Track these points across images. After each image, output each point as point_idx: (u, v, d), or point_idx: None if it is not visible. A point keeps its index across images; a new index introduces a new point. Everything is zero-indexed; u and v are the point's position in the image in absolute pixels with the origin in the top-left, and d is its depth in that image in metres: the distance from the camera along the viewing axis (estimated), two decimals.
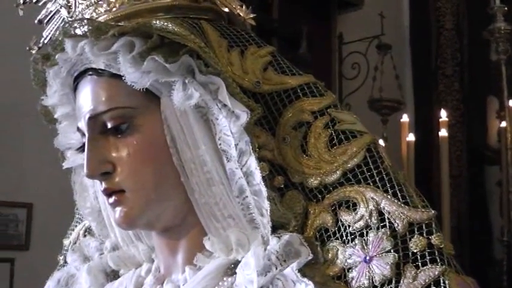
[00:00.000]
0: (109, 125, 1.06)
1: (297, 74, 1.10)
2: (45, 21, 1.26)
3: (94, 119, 1.07)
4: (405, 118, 4.88)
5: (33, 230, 4.38)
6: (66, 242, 1.40)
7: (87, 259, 1.28)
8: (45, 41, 1.25)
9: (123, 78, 1.04)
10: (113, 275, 1.24)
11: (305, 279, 0.93)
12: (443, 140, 4.53)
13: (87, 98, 1.08)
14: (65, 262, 1.35)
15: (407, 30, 6.48)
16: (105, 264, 1.24)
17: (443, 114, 4.58)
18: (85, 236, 1.34)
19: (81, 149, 1.13)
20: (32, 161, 4.18)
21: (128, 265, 1.23)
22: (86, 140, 1.08)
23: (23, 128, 3.75)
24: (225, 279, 1.03)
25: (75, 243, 1.36)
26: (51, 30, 1.25)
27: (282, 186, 1.04)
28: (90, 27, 1.04)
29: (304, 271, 0.95)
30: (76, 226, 1.38)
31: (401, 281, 0.93)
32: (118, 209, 1.07)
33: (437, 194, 4.60)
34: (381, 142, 4.99)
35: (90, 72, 1.09)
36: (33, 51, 1.24)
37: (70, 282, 1.27)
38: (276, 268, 0.96)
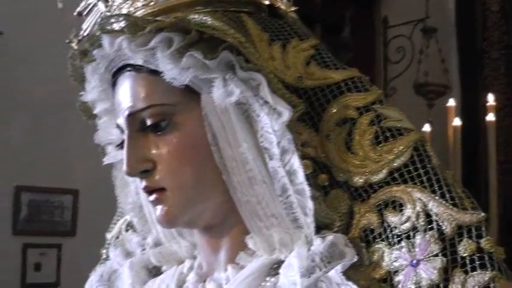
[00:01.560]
0: (148, 122, 1.04)
1: (341, 68, 1.07)
2: (85, 13, 1.25)
3: (133, 116, 1.05)
4: (451, 103, 4.81)
5: (79, 216, 4.44)
6: (108, 235, 1.40)
7: (129, 254, 1.28)
8: (85, 34, 1.24)
9: (162, 74, 1.02)
10: (155, 272, 1.23)
11: (349, 283, 0.90)
12: (491, 125, 4.45)
13: (125, 94, 1.07)
14: (108, 256, 1.35)
15: (453, 13, 6.37)
16: (147, 260, 1.24)
17: (491, 99, 4.51)
18: (127, 230, 1.34)
19: (121, 145, 1.12)
20: (77, 148, 4.22)
21: (170, 261, 1.22)
22: (125, 137, 1.07)
23: (69, 115, 3.78)
24: (267, 279, 1.02)
25: (117, 237, 1.36)
26: (90, 23, 1.24)
27: (326, 184, 1.01)
28: (127, 23, 1.03)
29: (348, 273, 0.92)
30: (118, 220, 1.38)
31: (449, 287, 0.90)
32: (159, 207, 1.06)
33: (484, 180, 4.54)
34: (427, 127, 4.94)
35: (129, 68, 1.07)
36: (73, 44, 1.23)
37: (112, 278, 1.27)
38: (320, 270, 0.94)
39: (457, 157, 4.59)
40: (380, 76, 5.95)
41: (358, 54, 5.29)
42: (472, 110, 5.60)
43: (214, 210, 1.06)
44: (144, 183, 1.06)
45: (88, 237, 4.36)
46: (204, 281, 1.11)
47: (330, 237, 0.96)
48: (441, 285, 0.90)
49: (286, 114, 0.97)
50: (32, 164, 4.27)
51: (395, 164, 0.99)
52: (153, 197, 1.06)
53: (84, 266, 4.46)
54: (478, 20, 6.10)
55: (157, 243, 1.25)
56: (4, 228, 4.18)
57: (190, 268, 1.17)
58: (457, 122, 4.64)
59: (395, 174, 0.99)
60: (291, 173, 0.99)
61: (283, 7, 1.15)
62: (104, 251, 1.39)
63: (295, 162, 0.98)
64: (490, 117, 4.42)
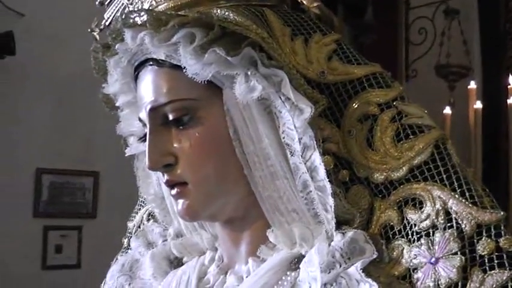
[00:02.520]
0: (170, 117, 1.05)
1: (363, 63, 1.07)
2: (106, 3, 1.25)
3: (155, 111, 1.06)
4: (472, 85, 4.77)
5: (99, 198, 4.48)
6: (130, 224, 1.41)
7: (150, 245, 1.29)
8: (107, 23, 1.24)
9: (184, 69, 1.02)
10: (177, 263, 1.25)
11: (369, 280, 0.91)
12: None
13: (148, 88, 1.07)
14: (129, 245, 1.36)
15: None
16: (168, 251, 1.25)
17: None
18: (148, 220, 1.35)
19: (143, 138, 1.13)
20: (98, 130, 4.25)
21: (192, 253, 1.23)
22: (147, 131, 1.07)
23: (91, 98, 3.79)
24: (288, 273, 1.02)
25: (139, 226, 1.37)
26: (112, 13, 1.24)
27: (347, 180, 1.01)
28: (149, 18, 1.03)
29: (368, 270, 0.93)
30: (139, 210, 1.39)
31: (468, 285, 0.90)
32: (180, 201, 1.07)
33: (505, 163, 4.51)
34: (448, 109, 4.91)
35: (151, 63, 1.07)
36: (95, 33, 1.24)
37: (134, 268, 1.27)
38: (340, 266, 0.94)
39: (478, 140, 4.56)
40: (402, 58, 5.92)
41: (380, 36, 5.27)
42: (493, 92, 5.55)
43: (236, 204, 1.07)
44: (166, 177, 1.07)
45: (108, 219, 4.41)
46: (225, 273, 1.12)
47: (350, 233, 0.96)
48: (460, 284, 0.90)
49: (308, 111, 0.97)
50: (52, 146, 4.31)
51: (415, 162, 0.99)
52: (175, 191, 1.07)
53: (105, 248, 4.50)
54: (500, 1, 6.03)
55: (178, 234, 1.26)
56: (25, 211, 4.23)
57: (212, 260, 1.18)
58: (478, 104, 4.60)
59: (416, 172, 0.99)
60: (312, 170, 0.99)
61: (305, 2, 1.15)
62: (125, 240, 1.40)
63: (317, 159, 0.98)
64: None
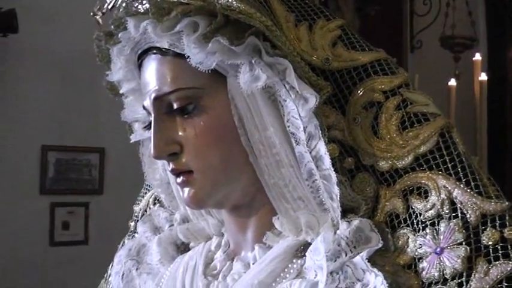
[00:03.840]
0: (175, 106, 1.05)
1: (368, 50, 1.07)
2: None
3: (159, 100, 1.06)
4: (478, 57, 4.75)
5: (106, 174, 4.48)
6: (136, 208, 1.41)
7: (157, 230, 1.29)
8: (109, 7, 1.24)
9: (188, 58, 1.02)
10: (183, 248, 1.25)
11: (375, 269, 0.91)
12: None
13: (151, 77, 1.07)
14: (135, 229, 1.37)
15: None
16: (175, 236, 1.25)
17: None
18: (154, 204, 1.36)
19: (147, 126, 1.13)
20: (103, 106, 4.25)
21: (198, 238, 1.23)
22: (152, 120, 1.07)
23: (96, 74, 3.79)
24: (294, 261, 1.03)
25: (145, 210, 1.38)
26: None
27: (352, 167, 1.01)
28: (151, 6, 1.02)
29: (374, 259, 0.93)
30: (145, 194, 1.40)
31: (473, 275, 0.90)
32: (186, 189, 1.07)
33: (510, 136, 4.50)
34: (453, 81, 4.89)
35: (154, 51, 1.07)
36: (97, 17, 1.23)
37: (141, 252, 1.28)
38: (346, 254, 0.95)
39: (483, 112, 4.55)
40: (406, 29, 5.88)
41: (384, 7, 5.24)
42: (498, 64, 5.53)
43: (242, 192, 1.07)
44: (171, 166, 1.07)
45: (115, 195, 4.43)
46: (232, 260, 1.13)
47: (356, 222, 0.97)
48: (464, 274, 0.91)
49: (313, 100, 0.97)
50: (57, 123, 4.31)
51: (421, 150, 0.99)
52: (180, 179, 1.07)
53: (112, 224, 4.53)
54: None
55: (184, 220, 1.26)
56: (32, 188, 4.25)
57: (218, 245, 1.18)
58: (483, 76, 4.58)
59: (421, 161, 0.99)
60: (317, 159, 0.99)
61: None
62: (132, 223, 1.41)
63: (322, 148, 0.98)
64: None
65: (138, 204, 1.41)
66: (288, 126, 1.01)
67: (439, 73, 5.17)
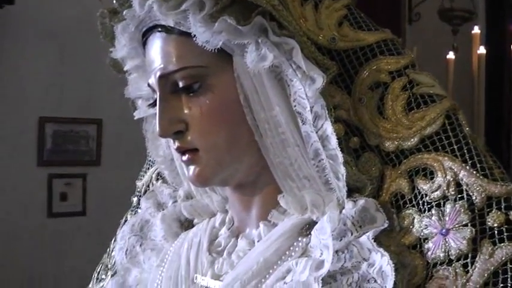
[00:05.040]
0: (180, 84, 1.04)
1: (374, 29, 1.06)
2: None
3: (165, 78, 1.05)
4: (476, 30, 4.74)
5: (103, 145, 4.48)
6: (139, 183, 1.42)
7: (160, 206, 1.30)
8: None
9: (194, 37, 1.01)
10: (187, 224, 1.26)
11: (381, 249, 0.92)
12: None
13: (156, 55, 1.06)
14: (138, 204, 1.37)
15: None
16: (178, 212, 1.26)
17: None
18: (157, 180, 1.36)
19: (152, 104, 1.13)
20: (100, 78, 4.23)
21: (202, 215, 1.24)
22: (157, 98, 1.07)
23: (94, 46, 3.77)
24: (299, 239, 1.03)
25: (148, 186, 1.38)
26: None
27: (358, 147, 1.02)
28: None
29: (379, 239, 0.94)
30: (148, 169, 1.40)
31: (478, 257, 0.91)
32: (191, 167, 1.07)
33: (507, 109, 4.50)
34: (451, 54, 4.88)
35: (159, 29, 1.06)
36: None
37: (145, 228, 1.28)
38: (351, 234, 0.95)
39: (481, 85, 4.55)
40: (405, 1, 5.86)
41: None
42: (497, 38, 5.51)
43: (247, 170, 1.08)
44: (176, 144, 1.07)
45: (113, 166, 4.44)
46: (236, 237, 1.14)
47: (362, 201, 0.97)
48: (469, 255, 0.91)
49: (320, 81, 0.97)
50: (54, 95, 4.29)
51: (427, 132, 0.99)
52: (186, 157, 1.07)
53: (110, 195, 4.54)
54: None
55: (188, 196, 1.27)
56: (29, 160, 4.25)
57: (222, 222, 1.19)
58: (481, 50, 4.57)
59: (427, 142, 0.99)
60: (323, 139, 1.00)
61: None
62: (135, 198, 1.41)
63: (328, 128, 0.98)
64: None
65: (141, 179, 1.41)
66: (294, 106, 1.01)
67: (437, 46, 5.15)
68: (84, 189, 4.42)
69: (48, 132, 4.28)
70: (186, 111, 1.05)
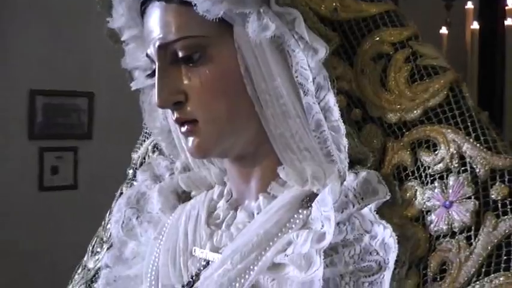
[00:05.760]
0: (180, 54, 1.03)
1: (376, 1, 1.05)
2: None
3: (164, 48, 1.04)
4: (470, 5, 4.74)
5: (95, 119, 4.46)
6: (134, 156, 1.41)
7: (157, 178, 1.29)
8: None
9: (194, 6, 1.00)
10: (184, 197, 1.25)
11: (383, 222, 0.91)
12: (509, 29, 4.39)
13: (155, 25, 1.05)
14: (134, 177, 1.36)
15: None
16: (176, 185, 1.25)
17: (510, 2, 4.42)
18: (154, 152, 1.35)
19: (150, 75, 1.11)
20: (92, 50, 4.21)
21: (199, 187, 1.23)
22: (156, 68, 1.06)
23: (85, 17, 3.75)
24: (300, 211, 1.03)
25: (144, 158, 1.37)
26: None
27: (360, 119, 1.01)
28: None
29: (382, 211, 0.93)
30: (144, 141, 1.39)
31: (481, 229, 0.90)
32: (190, 138, 1.06)
33: (500, 84, 4.51)
34: (444, 29, 4.87)
35: None
36: None
37: (141, 201, 1.27)
38: (353, 206, 0.94)
39: (474, 61, 4.56)
40: None
41: None
42: (490, 13, 5.50)
43: (247, 142, 1.07)
44: (175, 115, 1.06)
45: (104, 140, 4.42)
46: (235, 209, 1.13)
47: (363, 173, 0.96)
48: (473, 228, 0.91)
49: (323, 51, 0.96)
50: (45, 67, 4.26)
51: (430, 104, 0.98)
52: (185, 128, 1.06)
53: (101, 168, 4.53)
54: None
55: (186, 168, 1.26)
56: (20, 133, 4.22)
57: (220, 195, 1.18)
58: (475, 25, 4.57)
59: (430, 114, 0.98)
60: (326, 110, 0.98)
61: None
62: (130, 171, 1.40)
63: (331, 99, 0.97)
64: (509, 21, 4.35)
65: (136, 151, 1.40)
66: (296, 77, 1.00)
67: (431, 21, 5.13)
68: (75, 163, 4.40)
69: (38, 105, 4.25)
70: (185, 82, 1.04)
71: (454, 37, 4.83)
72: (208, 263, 1.09)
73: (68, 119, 4.36)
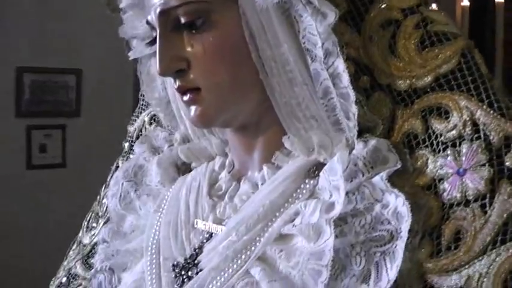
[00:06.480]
0: (182, 20, 1.00)
1: None
2: None
3: (166, 14, 1.01)
4: None
5: (83, 96, 4.42)
6: (130, 128, 1.38)
7: (156, 150, 1.26)
8: None
9: None
10: (184, 168, 1.22)
11: (395, 190, 0.89)
12: (500, 6, 4.39)
13: None
14: (131, 149, 1.34)
15: None
16: (175, 156, 1.22)
17: None
18: (151, 124, 1.32)
19: (150, 43, 1.09)
20: (80, 27, 4.16)
21: (200, 158, 1.20)
22: (157, 35, 1.03)
23: None
24: (307, 181, 1.01)
25: (140, 131, 1.34)
26: None
27: (368, 87, 0.98)
28: None
29: (392, 180, 0.91)
30: (141, 113, 1.36)
31: (496, 197, 0.89)
32: (193, 107, 1.03)
33: (490, 61, 4.51)
34: (434, 6, 4.85)
35: None
36: None
37: (139, 173, 1.25)
38: (363, 175, 0.92)
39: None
40: None
41: None
42: None
43: (250, 111, 1.04)
44: (178, 83, 1.03)
45: (92, 117, 4.39)
46: (238, 180, 1.10)
47: (373, 141, 0.94)
48: (488, 196, 0.89)
49: (332, 16, 0.93)
50: (32, 44, 4.22)
51: (441, 70, 0.96)
52: (187, 97, 1.03)
53: (90, 146, 4.50)
54: None
55: (185, 139, 1.24)
56: (7, 111, 4.18)
57: (222, 166, 1.16)
58: (465, 2, 4.56)
59: (442, 81, 0.96)
60: (334, 76, 0.96)
61: None
62: (126, 144, 1.38)
63: (340, 65, 0.94)
64: None
65: (132, 124, 1.37)
66: (304, 43, 0.97)
67: None
68: (63, 141, 4.37)
69: (26, 82, 4.20)
70: (188, 49, 1.01)
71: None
72: (211, 235, 1.07)
73: (56, 96, 4.32)
